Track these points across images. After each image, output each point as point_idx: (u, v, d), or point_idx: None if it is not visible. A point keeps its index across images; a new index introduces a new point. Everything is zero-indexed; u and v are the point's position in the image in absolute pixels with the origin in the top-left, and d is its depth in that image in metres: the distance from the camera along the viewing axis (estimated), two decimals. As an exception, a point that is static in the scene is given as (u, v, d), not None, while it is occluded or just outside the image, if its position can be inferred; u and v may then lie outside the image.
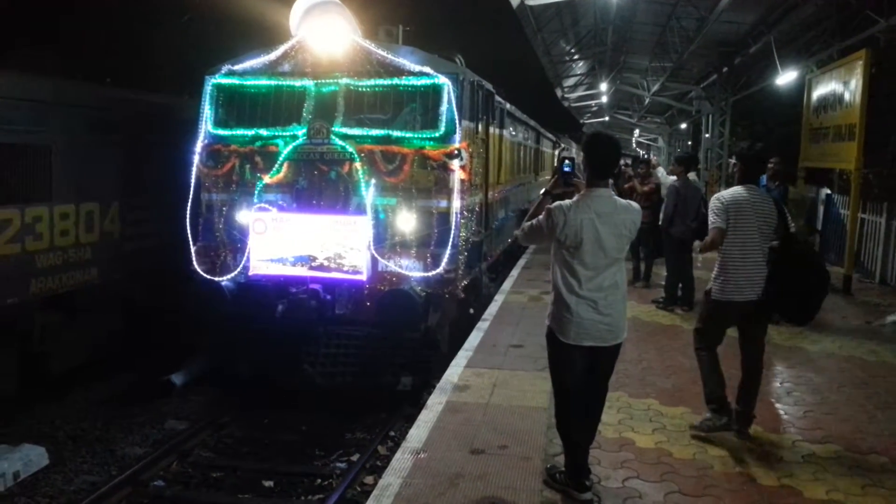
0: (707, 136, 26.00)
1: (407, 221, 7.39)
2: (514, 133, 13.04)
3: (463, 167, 7.40)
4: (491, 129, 9.53)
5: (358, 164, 7.40)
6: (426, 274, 7.28)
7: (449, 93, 7.40)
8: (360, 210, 7.40)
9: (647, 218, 9.82)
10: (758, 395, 5.15)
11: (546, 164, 21.73)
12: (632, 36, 25.12)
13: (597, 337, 4.09)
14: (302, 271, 7.38)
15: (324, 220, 7.37)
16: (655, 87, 30.69)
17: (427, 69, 7.48)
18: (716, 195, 5.11)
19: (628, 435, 5.06)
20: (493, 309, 9.11)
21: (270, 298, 7.44)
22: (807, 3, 14.69)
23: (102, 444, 7.11)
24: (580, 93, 38.58)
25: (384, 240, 7.40)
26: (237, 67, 8.02)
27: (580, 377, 4.16)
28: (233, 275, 7.60)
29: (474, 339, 7.65)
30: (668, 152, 43.34)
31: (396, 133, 7.43)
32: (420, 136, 7.38)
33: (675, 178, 9.84)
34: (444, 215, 7.41)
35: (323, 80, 7.70)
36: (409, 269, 7.33)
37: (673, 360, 6.94)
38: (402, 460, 4.65)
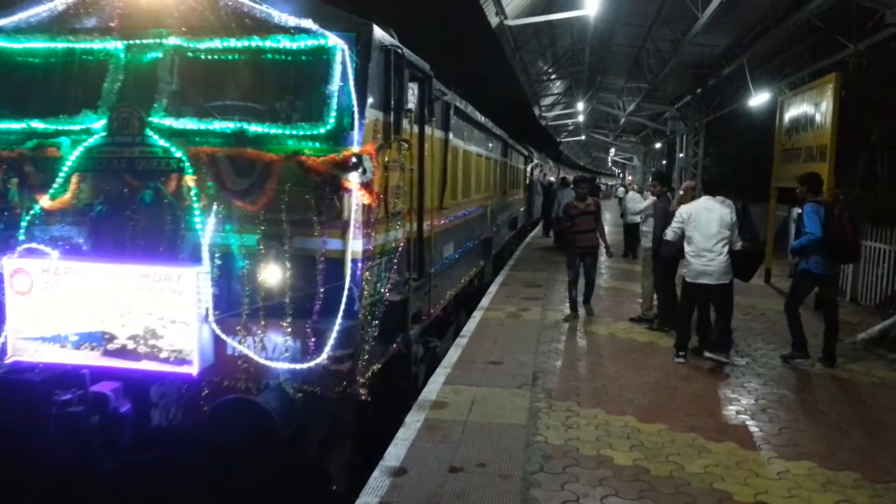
0: (681, 155, 26.44)
1: (272, 274, 4.68)
2: (469, 139, 10.18)
3: (367, 185, 4.67)
4: (429, 130, 6.74)
5: (191, 179, 4.67)
6: (301, 365, 4.54)
7: (343, 62, 4.74)
8: (194, 255, 4.68)
9: (595, 242, 9.57)
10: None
11: (519, 182, 19.94)
12: (608, 57, 25.59)
13: (703, 277, 7.17)
14: (91, 358, 4.55)
15: (128, 273, 4.50)
16: (631, 108, 31.20)
17: (308, 24, 4.77)
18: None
19: (606, 452, 5.07)
20: (471, 325, 9.10)
21: (39, 404, 4.41)
22: (779, 27, 15.05)
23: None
24: (557, 112, 39.05)
25: (234, 306, 4.67)
26: (4, 22, 5.25)
27: (694, 302, 7.55)
28: None
29: (453, 355, 7.63)
30: (643, 171, 43.91)
31: (256, 128, 4.72)
32: (295, 132, 4.73)
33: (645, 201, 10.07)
34: (336, 264, 4.70)
35: (139, 42, 5.01)
36: (276, 354, 4.62)
37: (649, 377, 6.98)
38: (379, 479, 4.60)
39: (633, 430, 5.55)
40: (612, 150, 58.57)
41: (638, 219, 11.38)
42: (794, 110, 12.37)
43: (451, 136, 8.16)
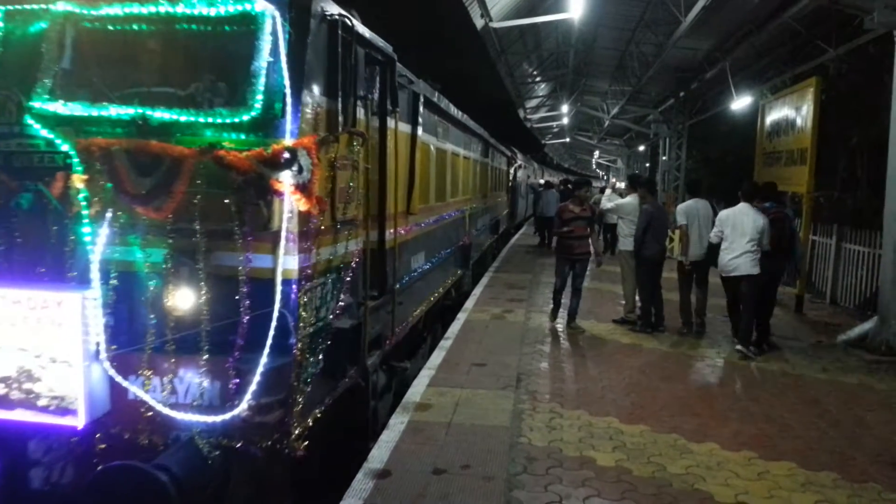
0: (664, 158, 26.59)
1: (184, 299, 3.85)
2: (443, 136, 9.22)
3: (303, 187, 3.80)
4: (392, 123, 5.76)
5: (80, 178, 3.77)
6: (214, 418, 3.72)
7: (274, 33, 3.88)
8: (82, 276, 3.83)
9: (588, 248, 9.13)
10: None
11: (501, 184, 19.14)
12: (592, 60, 25.72)
13: (733, 271, 8.05)
14: None
15: None
16: (615, 111, 31.33)
17: None
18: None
19: (589, 453, 5.10)
20: (455, 327, 9.11)
21: None
22: (760, 31, 15.20)
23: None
24: (542, 114, 39.16)
25: (136, 339, 3.83)
26: None
27: (734, 293, 8.34)
28: None
29: (437, 357, 7.63)
30: (627, 174, 44.22)
31: (162, 114, 3.85)
32: (211, 119, 3.85)
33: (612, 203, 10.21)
34: (264, 286, 3.84)
35: (19, 7, 4.17)
36: (189, 400, 3.81)
37: (632, 379, 7.02)
38: (362, 482, 4.59)
39: (615, 431, 5.58)
40: (597, 153, 58.80)
41: (615, 219, 11.48)
42: (776, 114, 12.51)
43: (420, 131, 7.10)
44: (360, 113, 4.94)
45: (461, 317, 9.80)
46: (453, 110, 9.77)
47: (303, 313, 3.97)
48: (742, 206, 8.21)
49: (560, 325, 9.35)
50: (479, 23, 15.35)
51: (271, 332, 3.75)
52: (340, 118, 4.45)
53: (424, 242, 7.86)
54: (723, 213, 8.30)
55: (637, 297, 9.41)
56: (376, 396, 5.76)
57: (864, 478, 4.86)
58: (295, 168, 3.71)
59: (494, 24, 16.03)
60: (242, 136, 3.83)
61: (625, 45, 21.54)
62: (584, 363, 7.61)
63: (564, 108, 34.72)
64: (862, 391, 6.91)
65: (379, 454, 5.02)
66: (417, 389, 6.51)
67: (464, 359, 7.57)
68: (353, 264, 4.82)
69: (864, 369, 7.70)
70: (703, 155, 29.01)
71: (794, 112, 11.42)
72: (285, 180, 3.73)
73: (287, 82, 3.86)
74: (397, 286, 6.21)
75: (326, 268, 4.37)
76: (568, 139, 50.98)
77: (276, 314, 3.77)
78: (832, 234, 11.94)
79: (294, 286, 3.90)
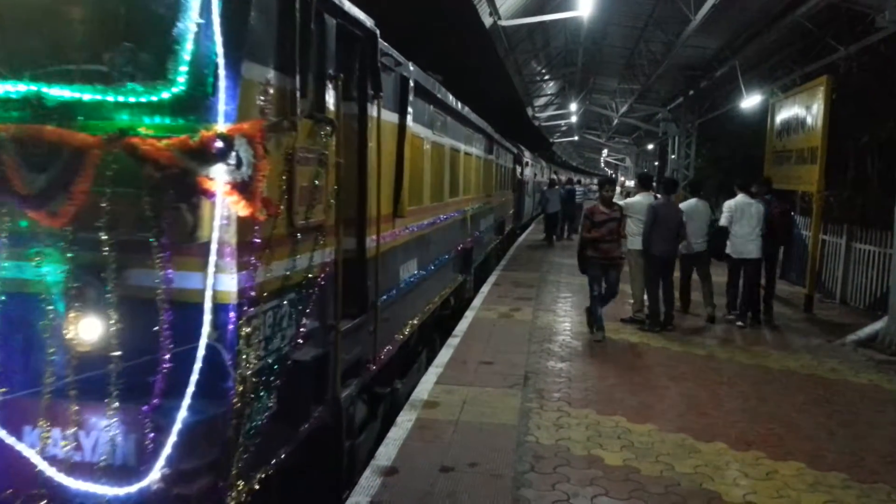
0: (673, 157, 26.50)
1: (89, 329, 3.03)
2: (440, 129, 8.19)
3: (242, 186, 2.93)
4: (373, 111, 4.96)
5: None
6: (118, 490, 2.90)
7: None
8: None
9: (619, 252, 8.53)
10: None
11: (507, 182, 18.15)
12: (601, 58, 25.67)
13: (744, 254, 9.30)
14: None
15: None
16: (623, 109, 31.28)
17: None
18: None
19: (597, 452, 5.10)
20: (463, 325, 9.12)
21: None
22: (770, 29, 15.13)
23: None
24: (551, 112, 39.10)
25: (28, 381, 3.07)
26: None
27: (738, 274, 9.53)
28: None
29: (445, 355, 7.64)
30: (636, 173, 44.16)
31: (60, 92, 2.99)
32: (124, 98, 2.98)
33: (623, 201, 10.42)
34: (192, 313, 2.97)
35: None
36: (97, 457, 3.00)
37: (640, 377, 7.01)
38: (370, 479, 4.60)
39: (623, 430, 5.58)
40: (605, 151, 58.74)
41: None
42: (786, 113, 12.45)
43: (410, 121, 6.06)
44: (331, 96, 4.11)
45: (469, 315, 9.80)
46: (453, 101, 8.69)
47: (244, 347, 3.10)
48: (741, 197, 9.43)
49: (600, 335, 8.51)
50: (487, 21, 15.33)
51: (194, 376, 2.89)
52: (299, 100, 3.54)
53: (417, 248, 6.94)
54: (730, 203, 9.47)
55: (646, 296, 9.38)
56: (353, 434, 4.83)
57: (874, 478, 4.83)
58: (231, 161, 2.85)
59: (503, 23, 16.01)
60: (166, 120, 2.96)
61: (634, 44, 21.50)
62: (591, 362, 7.61)
63: (573, 107, 34.69)
64: (871, 391, 6.88)
65: (386, 451, 5.03)
66: (425, 387, 6.52)
67: (471, 357, 7.57)
68: (321, 279, 3.96)
69: (873, 369, 7.66)
70: (713, 153, 28.88)
71: (804, 111, 11.36)
72: (218, 177, 2.86)
73: (221, 50, 2.94)
74: (382, 300, 5.36)
75: (281, 287, 3.51)
76: (576, 137, 50.90)
77: (202, 351, 2.92)
78: (842, 233, 11.88)
79: (231, 313, 3.02)
